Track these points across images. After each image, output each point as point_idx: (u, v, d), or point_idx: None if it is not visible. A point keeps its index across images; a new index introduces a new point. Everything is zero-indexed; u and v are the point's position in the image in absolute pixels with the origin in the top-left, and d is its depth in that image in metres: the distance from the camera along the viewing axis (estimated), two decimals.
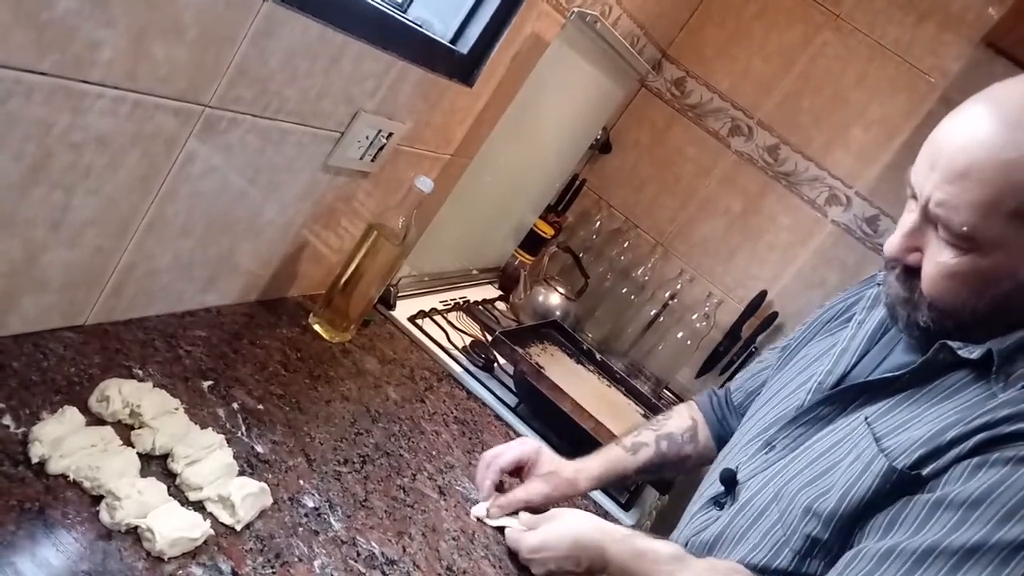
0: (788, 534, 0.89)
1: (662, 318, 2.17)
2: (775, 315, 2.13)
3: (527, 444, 1.20)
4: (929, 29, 2.02)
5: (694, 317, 2.13)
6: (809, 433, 0.95)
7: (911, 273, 0.86)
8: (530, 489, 1.15)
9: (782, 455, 0.96)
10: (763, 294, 2.15)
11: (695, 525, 1.04)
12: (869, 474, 0.83)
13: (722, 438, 1.23)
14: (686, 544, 1.02)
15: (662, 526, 1.67)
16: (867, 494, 0.83)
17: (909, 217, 0.86)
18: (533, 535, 1.04)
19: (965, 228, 0.78)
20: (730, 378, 2.16)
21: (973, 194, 0.77)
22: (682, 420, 1.28)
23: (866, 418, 0.88)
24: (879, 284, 1.03)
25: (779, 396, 1.05)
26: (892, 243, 0.87)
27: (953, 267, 0.81)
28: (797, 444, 0.96)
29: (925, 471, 0.80)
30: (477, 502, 1.15)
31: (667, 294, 2.18)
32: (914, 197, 0.85)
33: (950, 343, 0.84)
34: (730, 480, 1.00)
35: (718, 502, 1.03)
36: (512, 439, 1.41)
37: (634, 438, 1.25)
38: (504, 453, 1.17)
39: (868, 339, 0.99)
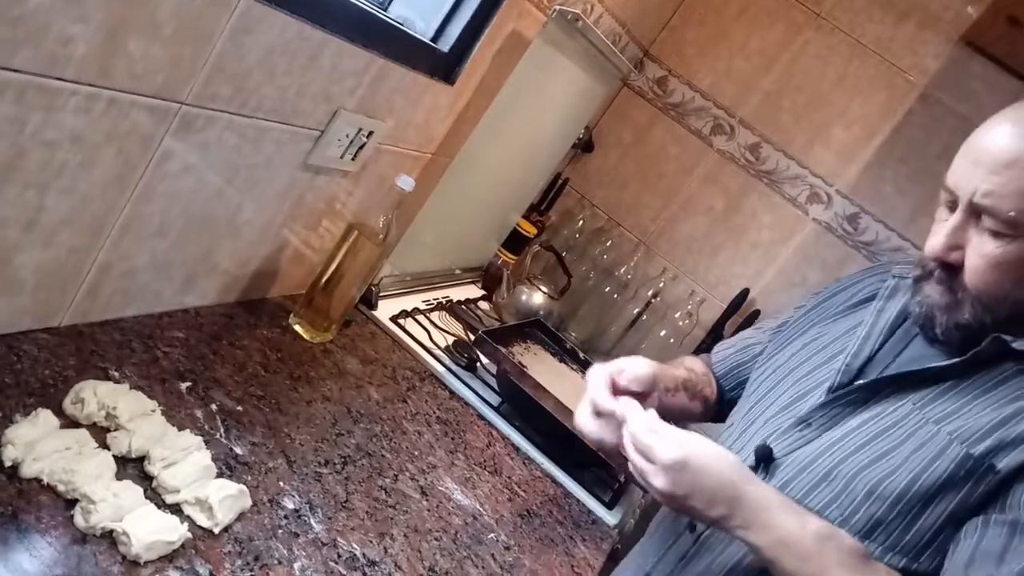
0: (848, 514, 0.90)
1: (645, 316, 2.17)
2: (757, 313, 2.14)
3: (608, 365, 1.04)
4: (908, 28, 2.03)
5: (677, 315, 2.14)
6: (845, 414, 0.96)
7: (951, 272, 0.90)
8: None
9: (819, 433, 0.97)
10: (745, 292, 2.15)
11: None
12: (944, 459, 0.87)
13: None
14: None
15: (646, 524, 1.67)
16: (941, 478, 0.86)
17: (948, 219, 0.90)
18: (667, 477, 0.86)
19: (1012, 213, 0.83)
20: None
21: (1019, 182, 0.83)
22: (699, 364, 1.27)
23: (914, 404, 0.92)
24: (895, 276, 1.06)
25: (798, 373, 1.06)
26: (935, 243, 0.90)
27: (999, 256, 0.86)
28: (834, 423, 0.97)
29: (999, 464, 0.85)
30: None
31: (650, 292, 2.18)
32: (949, 201, 0.90)
33: (1003, 336, 0.88)
34: (767, 456, 0.98)
35: None
36: (495, 439, 1.40)
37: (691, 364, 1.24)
38: (595, 386, 1.01)
39: (888, 328, 1.02)
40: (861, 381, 0.97)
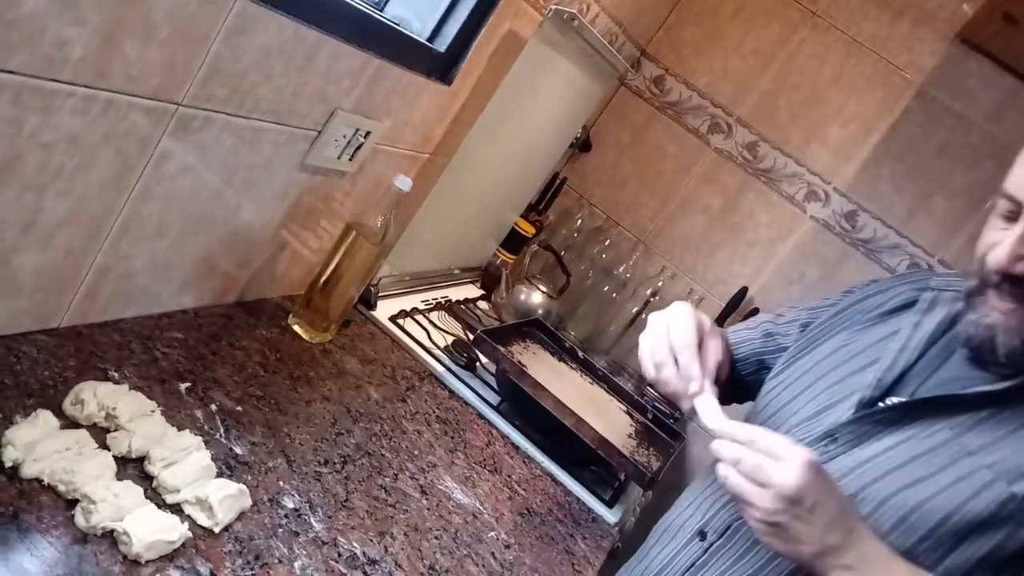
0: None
1: (644, 315, 2.17)
2: (756, 311, 2.14)
3: (699, 317, 0.99)
4: (904, 26, 2.04)
5: None
6: (875, 432, 0.91)
7: (1019, 285, 0.83)
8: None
9: (846, 449, 0.92)
10: (744, 290, 2.16)
11: (736, 509, 0.95)
12: (983, 497, 0.82)
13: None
14: (727, 528, 0.97)
15: (647, 522, 1.67)
16: (979, 517, 0.81)
17: (1010, 229, 0.84)
18: (791, 482, 0.78)
19: None
20: None
21: None
22: (723, 344, 1.18)
23: (951, 430, 0.86)
24: (934, 289, 1.00)
25: (825, 381, 1.00)
26: (999, 254, 0.83)
27: None
28: (862, 441, 0.92)
29: None
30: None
31: (649, 291, 2.18)
32: (1010, 210, 0.84)
33: None
34: None
35: None
36: (494, 438, 1.41)
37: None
38: (684, 332, 0.96)
39: (925, 342, 0.96)
40: (893, 399, 0.92)
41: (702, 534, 1.00)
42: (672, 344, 0.95)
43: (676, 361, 0.94)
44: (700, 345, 0.96)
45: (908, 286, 1.05)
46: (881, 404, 0.92)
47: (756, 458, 0.80)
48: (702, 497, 1.05)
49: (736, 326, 1.25)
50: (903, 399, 0.91)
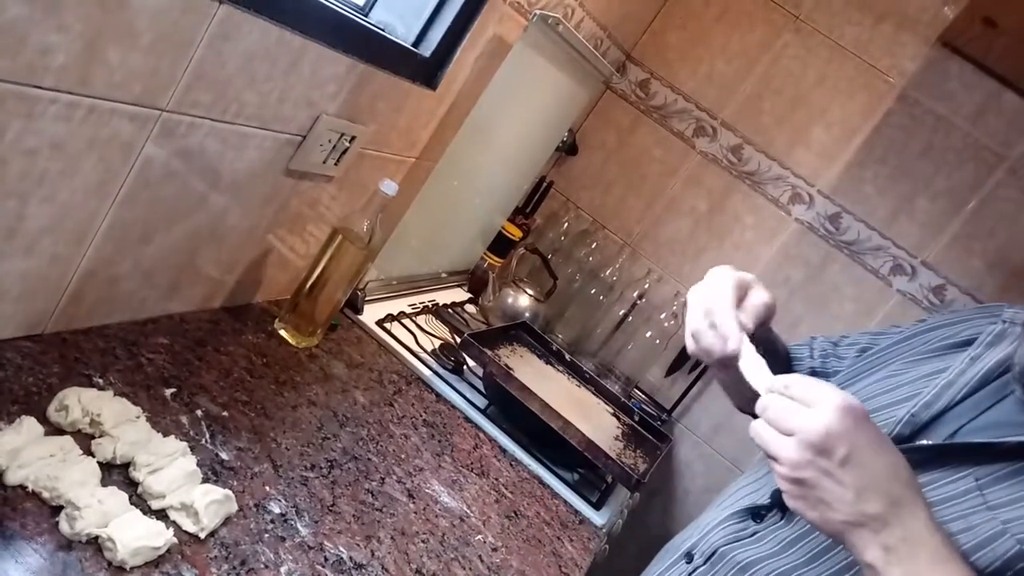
0: None
1: (631, 318, 2.18)
2: None
3: (740, 275, 0.89)
4: (886, 30, 2.05)
5: (662, 316, 2.15)
6: None
7: None
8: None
9: None
10: None
11: (724, 534, 0.93)
12: (992, 551, 0.74)
13: None
14: (712, 554, 0.92)
15: (633, 525, 1.68)
16: (984, 571, 0.73)
17: None
18: (817, 430, 0.66)
19: None
20: (699, 377, 2.17)
21: None
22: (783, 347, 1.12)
23: (976, 480, 0.78)
24: (1004, 321, 0.91)
25: None
26: None
27: None
28: None
29: None
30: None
31: (635, 294, 2.19)
32: None
33: None
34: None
35: (758, 515, 0.92)
36: (482, 441, 1.41)
37: None
38: (719, 295, 0.86)
39: (979, 380, 0.86)
40: (925, 442, 0.83)
41: (689, 556, 0.96)
42: (707, 310, 0.86)
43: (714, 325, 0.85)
44: (742, 302, 0.87)
45: (983, 319, 0.95)
46: (909, 444, 0.83)
47: (784, 403, 0.69)
48: (702, 517, 1.02)
49: (792, 344, 1.17)
50: (934, 443, 0.82)
